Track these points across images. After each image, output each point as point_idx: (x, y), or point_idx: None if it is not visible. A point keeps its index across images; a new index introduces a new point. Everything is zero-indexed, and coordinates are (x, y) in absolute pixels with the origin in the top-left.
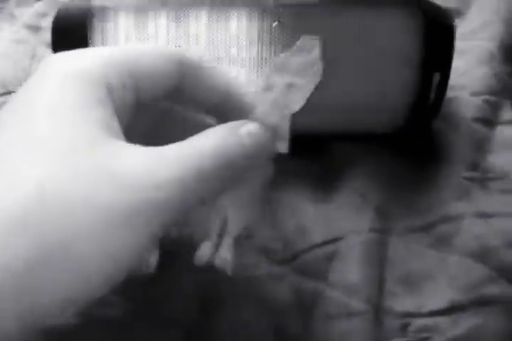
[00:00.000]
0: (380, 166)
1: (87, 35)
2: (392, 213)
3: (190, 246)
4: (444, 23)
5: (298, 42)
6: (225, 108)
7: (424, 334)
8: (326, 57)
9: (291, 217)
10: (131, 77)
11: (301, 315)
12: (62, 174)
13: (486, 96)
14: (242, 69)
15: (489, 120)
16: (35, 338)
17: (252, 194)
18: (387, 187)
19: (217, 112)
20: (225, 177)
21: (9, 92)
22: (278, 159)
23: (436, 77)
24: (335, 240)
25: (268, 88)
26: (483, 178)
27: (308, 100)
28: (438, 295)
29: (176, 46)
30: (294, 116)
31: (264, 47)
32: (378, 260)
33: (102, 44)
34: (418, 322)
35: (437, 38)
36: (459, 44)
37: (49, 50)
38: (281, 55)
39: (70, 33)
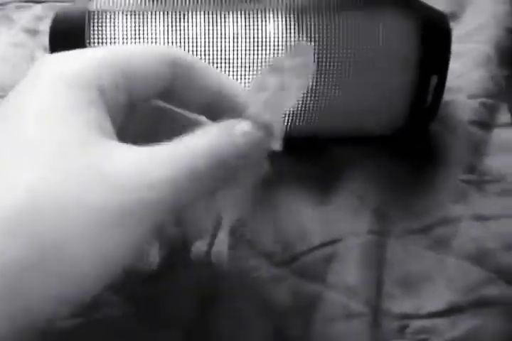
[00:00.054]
0: (378, 168)
1: (84, 39)
2: (390, 215)
3: (187, 243)
4: (441, 25)
5: (293, 45)
6: (217, 107)
7: (423, 336)
8: (324, 59)
9: (290, 219)
10: (123, 77)
11: (300, 316)
12: (52, 176)
13: (483, 99)
14: (238, 72)
15: (486, 123)
16: (29, 338)
17: (245, 191)
18: (385, 190)
19: (210, 112)
20: (217, 176)
21: None
22: (277, 161)
23: (434, 80)
24: (333, 242)
25: (261, 88)
26: (480, 181)
27: (308, 103)
28: (436, 297)
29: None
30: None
31: (261, 51)
32: (376, 262)
33: None
34: (416, 324)
35: (434, 41)
36: (454, 47)
37: (47, 54)
38: (277, 56)
39: (68, 36)
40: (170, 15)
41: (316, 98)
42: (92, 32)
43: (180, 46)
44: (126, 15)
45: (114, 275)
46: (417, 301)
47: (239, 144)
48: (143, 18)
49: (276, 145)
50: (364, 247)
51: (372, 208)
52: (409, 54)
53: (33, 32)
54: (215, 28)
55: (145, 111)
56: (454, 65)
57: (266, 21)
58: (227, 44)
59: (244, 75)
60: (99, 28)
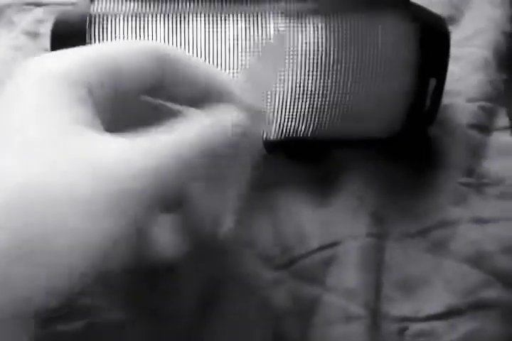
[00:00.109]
0: (377, 171)
1: (85, 42)
2: (389, 218)
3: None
4: (439, 29)
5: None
6: (207, 99)
7: (421, 339)
8: (323, 62)
9: (290, 222)
10: (109, 75)
11: (299, 319)
12: (41, 168)
13: (482, 103)
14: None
15: (485, 126)
16: (20, 328)
17: (240, 185)
18: (384, 193)
19: (199, 103)
20: (208, 165)
21: None
22: (276, 164)
23: (432, 83)
24: (332, 245)
25: (249, 78)
26: (479, 184)
27: (307, 106)
28: (435, 300)
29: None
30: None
31: (259, 54)
32: (375, 265)
33: None
34: (415, 327)
35: (432, 45)
36: (453, 51)
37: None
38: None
39: (69, 39)
40: (170, 18)
41: (315, 101)
42: (93, 35)
43: (180, 48)
44: (127, 18)
45: (106, 266)
46: (416, 304)
47: (229, 133)
48: (143, 21)
49: (268, 131)
50: (363, 250)
51: (371, 211)
52: (408, 57)
53: (33, 35)
54: (215, 30)
55: (134, 107)
56: (453, 69)
57: (266, 24)
58: (227, 46)
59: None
60: (100, 31)
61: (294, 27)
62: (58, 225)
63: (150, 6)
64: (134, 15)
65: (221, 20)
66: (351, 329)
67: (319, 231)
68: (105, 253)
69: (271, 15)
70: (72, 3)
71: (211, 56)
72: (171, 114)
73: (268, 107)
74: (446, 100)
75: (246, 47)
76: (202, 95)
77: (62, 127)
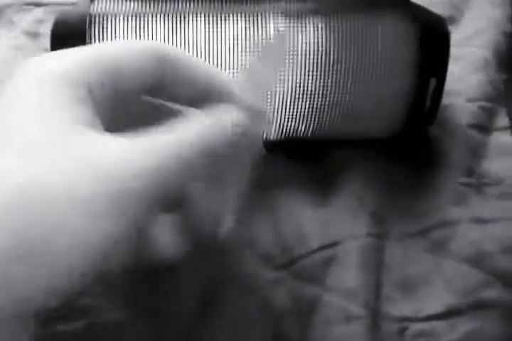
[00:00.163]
0: (377, 171)
1: (85, 42)
2: (389, 218)
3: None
4: (439, 29)
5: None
6: (207, 99)
7: (421, 339)
8: (323, 62)
9: (290, 222)
10: (108, 75)
11: (299, 319)
12: (41, 168)
13: (482, 103)
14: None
15: (485, 126)
16: (20, 328)
17: (241, 185)
18: (384, 192)
19: (199, 104)
20: (208, 165)
21: None
22: (277, 164)
23: (432, 83)
24: (332, 245)
25: (249, 78)
26: (479, 184)
27: (307, 106)
28: (435, 300)
29: None
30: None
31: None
32: (375, 265)
33: None
34: (415, 327)
35: (432, 45)
36: (453, 51)
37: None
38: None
39: (69, 39)
40: (170, 18)
41: (315, 101)
42: (92, 35)
43: (180, 48)
44: (127, 18)
45: (107, 266)
46: (416, 304)
47: (229, 133)
48: (143, 21)
49: (268, 130)
50: (363, 250)
51: (371, 211)
52: (408, 57)
53: (33, 35)
54: (215, 30)
55: (134, 107)
56: (453, 69)
57: (266, 24)
58: (227, 46)
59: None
60: (100, 31)
61: (294, 27)
62: (58, 225)
63: (150, 6)
64: (134, 15)
65: (221, 20)
66: (351, 329)
67: (319, 231)
68: (105, 253)
69: (271, 15)
70: (72, 3)
71: (211, 56)
72: (171, 114)
73: (268, 107)
74: (446, 100)
75: (246, 47)
76: (202, 95)
77: (62, 127)
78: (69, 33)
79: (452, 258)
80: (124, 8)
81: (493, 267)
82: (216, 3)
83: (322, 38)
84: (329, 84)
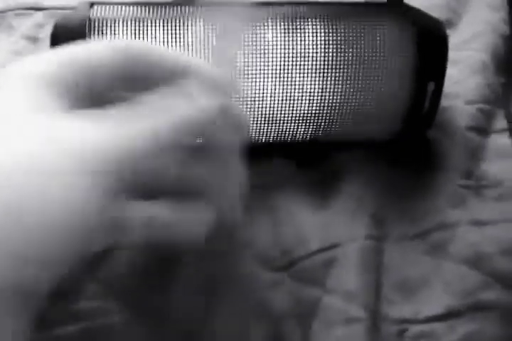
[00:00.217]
0: (376, 174)
1: None
2: (388, 220)
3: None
4: (437, 33)
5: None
6: (179, 84)
7: (421, 340)
8: (322, 66)
9: (289, 224)
10: (82, 75)
11: (299, 321)
12: (19, 147)
13: (480, 105)
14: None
15: (483, 128)
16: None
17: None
18: (383, 195)
19: (173, 89)
20: (187, 141)
21: None
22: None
23: (431, 86)
24: (332, 247)
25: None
26: (477, 186)
27: (306, 109)
28: (434, 302)
29: None
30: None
31: (260, 58)
32: (375, 267)
33: None
34: (415, 329)
35: (431, 48)
36: (451, 54)
37: None
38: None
39: (69, 43)
40: (169, 23)
41: (315, 104)
42: (92, 39)
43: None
44: (127, 22)
45: (82, 241)
46: (415, 306)
47: (203, 108)
48: (143, 26)
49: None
50: (362, 252)
51: (370, 213)
52: (407, 61)
53: (33, 39)
54: (214, 35)
55: (111, 104)
56: (451, 72)
57: (265, 29)
58: (227, 51)
59: (243, 82)
60: (100, 36)
61: (293, 31)
62: (33, 196)
63: (149, 11)
64: (133, 19)
65: (219, 24)
66: (351, 331)
67: (319, 233)
68: (91, 226)
69: (270, 21)
70: (72, 8)
71: (210, 61)
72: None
73: (268, 110)
74: (444, 102)
75: (245, 53)
76: (173, 80)
77: (40, 117)
78: (68, 38)
79: (451, 260)
80: (123, 13)
81: (492, 269)
82: (215, 9)
83: (321, 42)
84: (328, 87)
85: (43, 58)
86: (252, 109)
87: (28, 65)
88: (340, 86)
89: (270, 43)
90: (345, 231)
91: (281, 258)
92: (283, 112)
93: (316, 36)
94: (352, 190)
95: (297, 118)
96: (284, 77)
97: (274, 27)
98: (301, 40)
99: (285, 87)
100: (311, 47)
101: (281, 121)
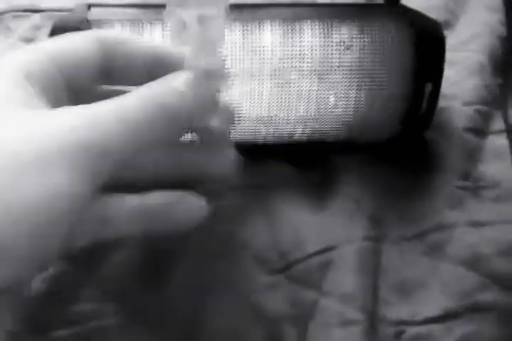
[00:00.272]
0: (373, 175)
1: None
2: (386, 221)
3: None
4: (435, 34)
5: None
6: (159, 74)
7: None
8: (320, 68)
9: (286, 226)
10: (57, 68)
11: (296, 324)
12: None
13: (478, 106)
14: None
15: (481, 130)
16: None
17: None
18: (380, 196)
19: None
20: (164, 124)
21: None
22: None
23: (428, 88)
24: (329, 249)
25: (182, 28)
26: (475, 187)
27: (304, 110)
28: (432, 303)
29: None
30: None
31: (257, 60)
32: (372, 268)
33: None
34: (412, 330)
35: (428, 49)
36: (448, 55)
37: None
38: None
39: None
40: (167, 25)
41: (313, 106)
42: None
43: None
44: (124, 24)
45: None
46: (413, 307)
47: (182, 91)
48: (140, 28)
49: (224, 86)
50: (359, 254)
51: (367, 214)
52: (404, 62)
53: (31, 41)
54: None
55: (91, 96)
56: (449, 73)
57: (262, 31)
58: (224, 53)
59: (240, 84)
60: None
61: (291, 32)
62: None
63: (147, 13)
64: (130, 21)
65: None
66: (348, 333)
67: (316, 235)
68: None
69: (267, 22)
70: (70, 10)
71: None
72: None
73: (266, 111)
74: (442, 103)
75: (242, 54)
76: (153, 70)
77: (11, 104)
78: None
79: (449, 261)
80: (121, 14)
81: (489, 270)
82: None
83: (319, 43)
84: (326, 89)
85: (25, 52)
86: (250, 110)
87: (10, 58)
88: (337, 87)
89: (266, 45)
90: (343, 233)
91: (277, 261)
92: (281, 113)
93: (314, 38)
94: (349, 191)
95: (295, 119)
96: (281, 78)
97: (272, 28)
98: (298, 42)
99: (282, 88)
100: (308, 48)
101: (279, 123)
